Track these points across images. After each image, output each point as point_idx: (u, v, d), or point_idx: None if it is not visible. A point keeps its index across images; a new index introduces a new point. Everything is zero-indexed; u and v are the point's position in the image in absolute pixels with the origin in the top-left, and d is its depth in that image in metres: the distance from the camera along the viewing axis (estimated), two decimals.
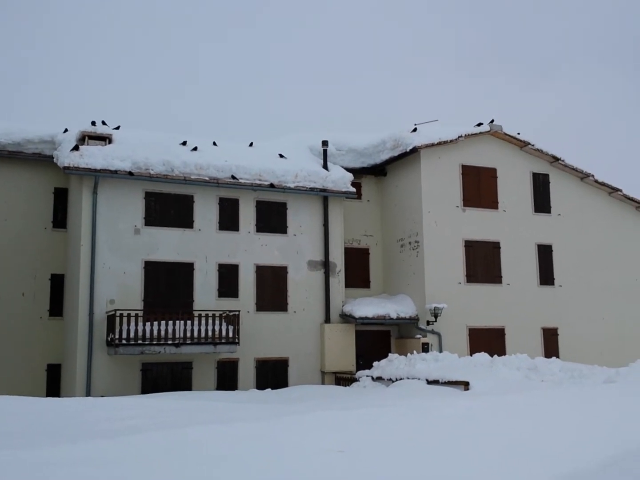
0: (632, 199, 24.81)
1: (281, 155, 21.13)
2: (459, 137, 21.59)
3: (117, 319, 16.90)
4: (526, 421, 7.36)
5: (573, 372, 15.79)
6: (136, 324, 17.02)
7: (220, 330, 17.88)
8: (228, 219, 19.53)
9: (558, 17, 66.16)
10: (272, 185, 19.65)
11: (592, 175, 23.86)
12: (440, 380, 15.39)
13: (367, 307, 20.29)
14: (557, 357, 19.61)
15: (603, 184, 24.19)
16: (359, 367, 19.80)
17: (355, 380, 18.05)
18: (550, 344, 22.22)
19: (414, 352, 18.27)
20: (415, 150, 21.20)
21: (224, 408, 9.63)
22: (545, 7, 65.86)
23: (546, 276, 22.76)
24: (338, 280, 20.62)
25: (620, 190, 24.45)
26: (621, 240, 24.50)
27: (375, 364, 18.10)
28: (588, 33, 66.47)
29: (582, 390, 11.32)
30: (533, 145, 22.87)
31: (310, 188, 20.14)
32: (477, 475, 4.59)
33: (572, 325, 22.77)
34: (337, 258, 20.71)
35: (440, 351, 19.57)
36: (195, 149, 19.67)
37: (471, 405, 8.66)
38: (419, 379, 15.86)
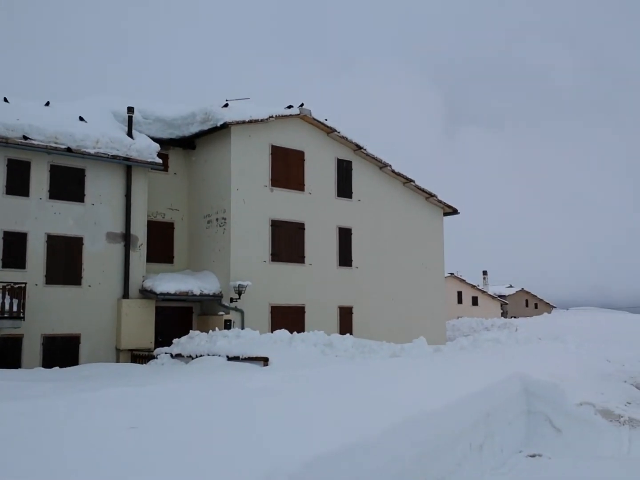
0: (423, 190, 26.88)
1: (81, 118, 19.61)
2: (269, 117, 21.72)
3: None
4: (318, 392, 7.59)
5: (364, 347, 16.73)
6: None
7: (3, 303, 16.23)
8: (17, 183, 17.73)
9: (359, 14, 69.62)
10: (69, 150, 18.17)
11: (390, 165, 25.43)
12: (241, 357, 15.42)
13: (169, 283, 19.71)
14: (351, 334, 20.68)
15: (399, 174, 25.89)
16: (159, 344, 19.19)
17: (153, 357, 17.46)
18: (346, 321, 23.42)
19: (216, 329, 18.12)
20: (225, 126, 20.93)
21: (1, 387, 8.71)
22: (348, 4, 68.86)
23: (345, 258, 23.89)
24: (139, 255, 19.75)
25: (414, 181, 26.38)
26: (412, 227, 26.49)
27: (175, 341, 17.64)
28: (382, 31, 70.78)
29: (370, 363, 12.00)
30: (339, 132, 23.75)
31: (112, 156, 18.97)
32: (272, 445, 4.58)
33: (365, 305, 24.19)
34: (139, 231, 19.82)
35: (243, 328, 19.61)
36: None
37: (268, 378, 8.76)
38: (219, 355, 15.76)
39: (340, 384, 8.63)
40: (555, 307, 75.10)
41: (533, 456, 8.64)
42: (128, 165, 19.50)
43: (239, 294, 20.12)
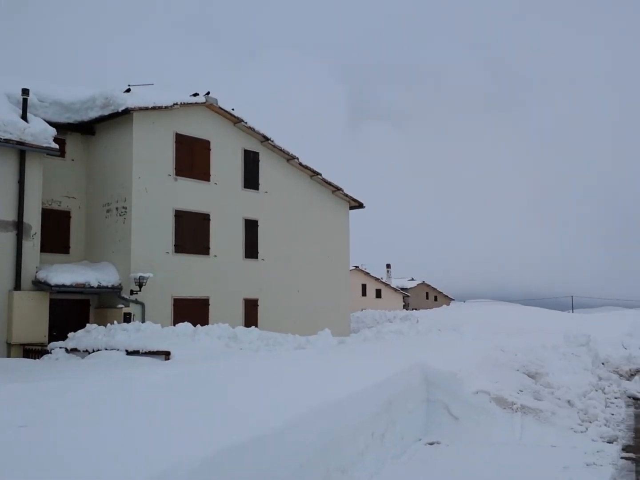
0: (329, 184, 27.11)
1: None
2: (174, 104, 21.15)
3: None
4: (220, 386, 7.44)
5: (269, 340, 16.67)
6: None
7: None
8: None
9: (265, 4, 69.34)
10: None
11: (297, 158, 25.46)
12: (141, 351, 14.97)
13: (64, 274, 18.80)
14: (257, 326, 20.56)
15: (306, 167, 25.97)
16: (53, 338, 18.25)
17: (47, 352, 16.62)
18: (251, 314, 23.26)
19: (115, 322, 17.47)
20: (127, 112, 20.16)
21: None
22: None
23: (251, 250, 23.70)
24: (33, 244, 18.69)
25: (320, 175, 26.55)
26: (319, 220, 26.67)
27: (70, 334, 16.87)
28: (287, 25, 70.91)
29: (273, 355, 11.94)
30: (246, 122, 23.50)
31: (4, 140, 17.81)
32: (170, 442, 4.41)
33: (271, 297, 24.13)
34: (33, 220, 18.74)
35: (144, 321, 19.04)
36: None
37: (170, 373, 8.50)
38: (118, 349, 15.22)
39: (243, 376, 8.50)
40: (453, 300, 78.19)
41: (432, 444, 8.87)
42: (22, 150, 18.37)
43: (140, 286, 19.50)
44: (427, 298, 75.47)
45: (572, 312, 62.46)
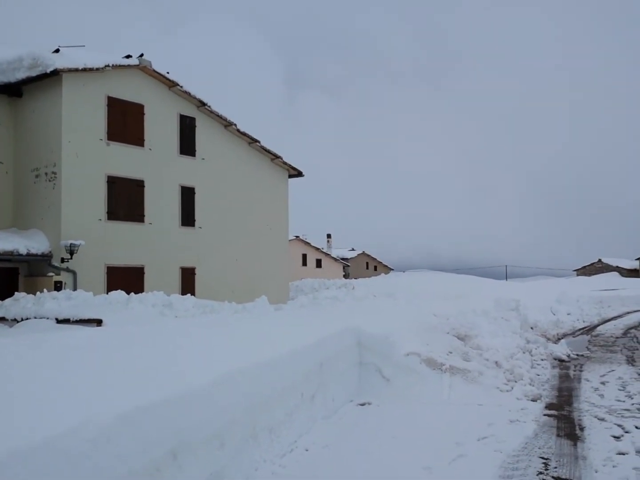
0: (268, 151, 26.80)
1: None
2: (106, 66, 20.34)
3: None
4: (146, 346, 7.29)
5: (205, 307, 16.49)
6: None
7: None
8: None
9: None
10: None
11: (235, 125, 25.01)
12: (72, 319, 14.58)
13: None
14: (194, 295, 20.32)
15: (244, 134, 25.57)
16: None
17: None
18: (188, 282, 22.95)
19: (45, 290, 16.93)
20: (56, 73, 19.26)
21: None
22: None
23: (188, 217, 23.29)
24: None
25: (259, 142, 26.20)
26: (258, 188, 26.40)
27: None
28: None
29: (206, 320, 11.81)
30: (181, 86, 22.87)
31: None
32: (87, 398, 4.26)
33: (209, 266, 23.84)
34: None
35: (75, 290, 18.52)
36: None
37: (93, 334, 8.29)
38: (48, 318, 14.78)
39: (171, 338, 8.36)
40: (393, 270, 79.37)
41: (363, 405, 9.00)
42: None
43: (71, 254, 18.91)
44: (367, 268, 76.33)
45: (506, 280, 64.43)
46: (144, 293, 17.53)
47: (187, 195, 23.30)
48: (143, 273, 21.45)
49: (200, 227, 23.76)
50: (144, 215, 21.66)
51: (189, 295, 18.13)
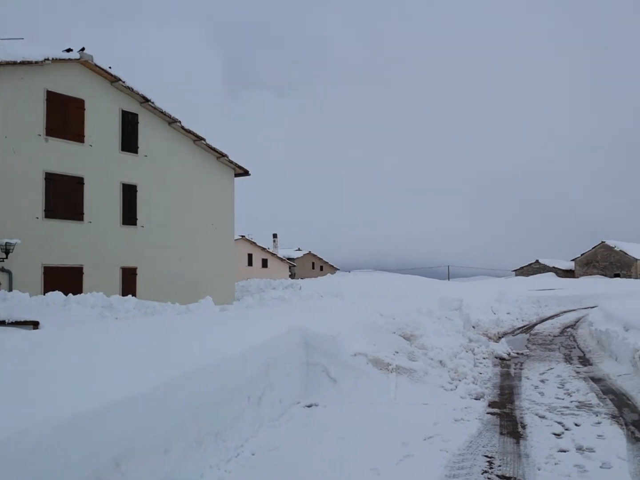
0: (214, 149, 26.47)
1: None
2: (45, 59, 19.68)
3: None
4: (84, 351, 7.04)
5: (147, 309, 16.17)
6: None
7: None
8: None
9: None
10: None
11: (179, 121, 24.59)
12: (7, 321, 14.06)
13: None
14: (135, 296, 19.86)
15: (189, 131, 25.17)
16: None
17: None
18: (129, 283, 22.41)
19: None
20: None
21: None
22: None
23: (129, 216, 22.75)
24: None
25: (204, 140, 25.84)
26: (203, 186, 26.02)
27: None
28: None
29: (147, 321, 11.54)
30: (124, 82, 22.33)
31: None
32: (25, 406, 4.05)
33: (151, 266, 23.35)
34: None
35: (11, 290, 17.86)
36: None
37: (32, 337, 7.95)
38: None
39: (112, 341, 8.10)
40: (339, 270, 79.79)
41: (310, 406, 8.93)
42: None
43: (6, 253, 18.20)
44: (313, 268, 76.48)
45: (449, 280, 65.66)
46: (82, 294, 17.04)
47: (129, 193, 22.75)
48: (82, 273, 20.83)
49: (143, 226, 23.24)
50: (83, 214, 21.03)
51: (130, 296, 17.73)
